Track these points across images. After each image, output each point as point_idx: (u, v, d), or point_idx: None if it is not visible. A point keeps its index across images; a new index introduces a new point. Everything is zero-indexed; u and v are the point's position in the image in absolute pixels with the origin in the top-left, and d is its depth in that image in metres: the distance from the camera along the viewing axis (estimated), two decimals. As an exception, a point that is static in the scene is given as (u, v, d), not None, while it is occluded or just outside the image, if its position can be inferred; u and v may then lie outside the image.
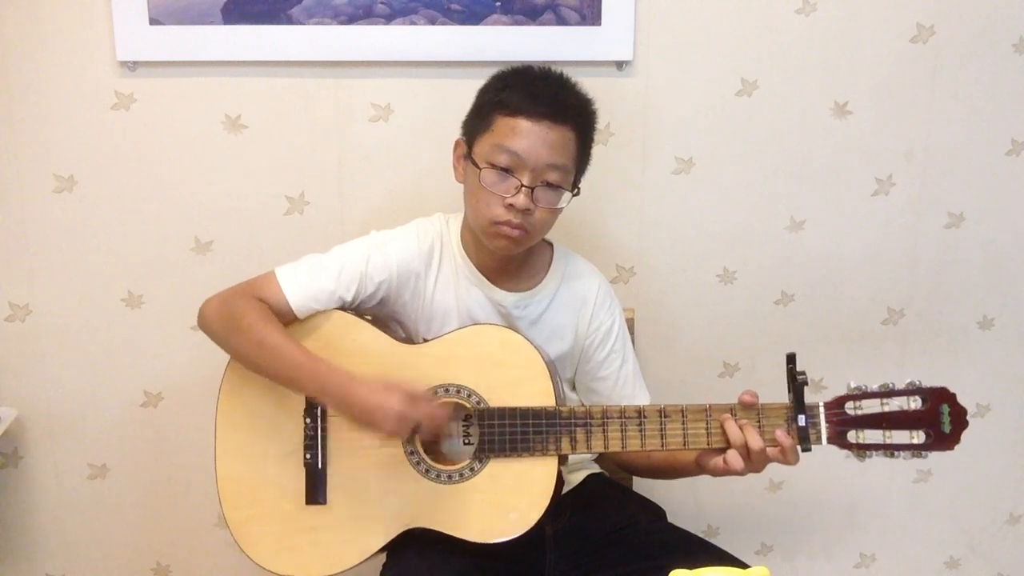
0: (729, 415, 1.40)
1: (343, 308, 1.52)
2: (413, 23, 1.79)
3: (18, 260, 1.86)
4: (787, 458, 1.39)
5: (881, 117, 1.91)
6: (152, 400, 1.95)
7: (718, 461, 1.41)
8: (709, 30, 1.85)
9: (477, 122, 1.51)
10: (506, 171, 1.44)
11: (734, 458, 1.39)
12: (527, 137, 1.44)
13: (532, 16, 1.79)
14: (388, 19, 1.78)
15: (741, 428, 1.39)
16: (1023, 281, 2.03)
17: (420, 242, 1.56)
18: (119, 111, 1.81)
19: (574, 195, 1.52)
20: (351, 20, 1.78)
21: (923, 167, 1.95)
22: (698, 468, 1.46)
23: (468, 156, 1.51)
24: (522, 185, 1.44)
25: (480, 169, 1.46)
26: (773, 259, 1.98)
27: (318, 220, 1.89)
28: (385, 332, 1.52)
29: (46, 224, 1.85)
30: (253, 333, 1.44)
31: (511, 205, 1.44)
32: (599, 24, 1.81)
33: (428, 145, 1.85)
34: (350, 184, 1.88)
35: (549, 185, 1.46)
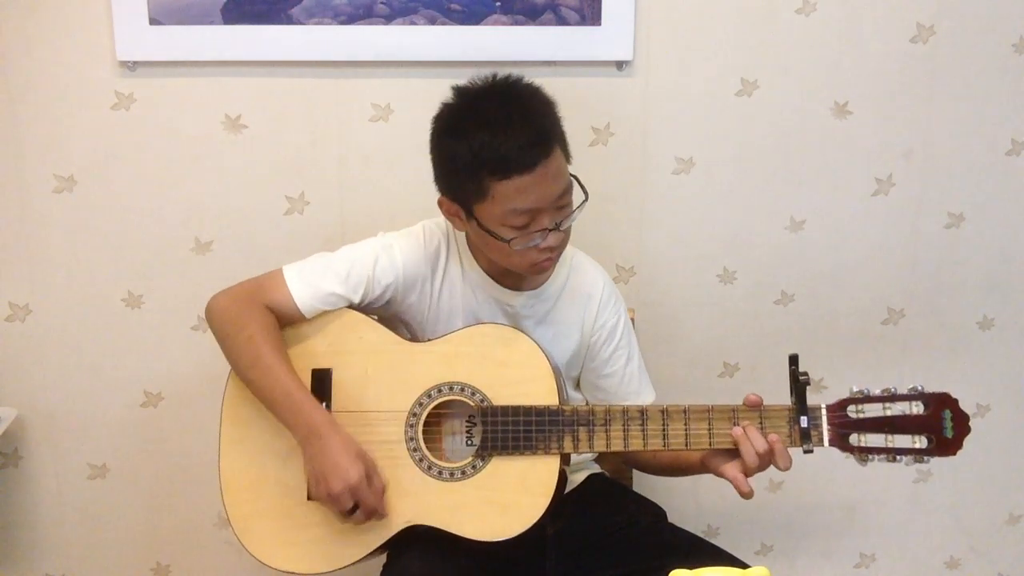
0: (742, 432, 1.38)
1: (350, 307, 1.52)
2: (413, 23, 1.79)
3: (18, 260, 1.86)
4: (778, 461, 1.38)
5: (881, 117, 1.92)
6: (152, 400, 1.95)
7: (726, 469, 1.40)
8: (709, 30, 1.85)
9: (463, 187, 1.43)
10: (526, 226, 1.42)
11: (744, 482, 1.38)
12: (534, 190, 1.39)
13: (532, 16, 1.79)
14: (388, 19, 1.78)
15: (745, 430, 1.38)
16: (1023, 281, 2.03)
17: (427, 245, 1.56)
18: (119, 111, 1.81)
19: (584, 202, 1.48)
20: (351, 20, 1.78)
21: (923, 167, 1.95)
22: (703, 467, 1.46)
23: (469, 219, 1.45)
24: (548, 229, 1.43)
25: (507, 241, 1.41)
26: (773, 259, 1.98)
27: (318, 220, 1.89)
28: (391, 331, 1.53)
29: (46, 224, 1.85)
30: (251, 347, 1.44)
31: (546, 247, 1.44)
32: (599, 24, 1.80)
33: (428, 145, 1.85)
34: (350, 184, 1.88)
35: (566, 207, 1.46)
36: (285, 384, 1.43)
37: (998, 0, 1.87)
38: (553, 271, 1.53)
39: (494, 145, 1.37)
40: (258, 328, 1.45)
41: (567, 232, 1.48)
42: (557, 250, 1.47)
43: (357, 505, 1.41)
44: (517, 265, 1.48)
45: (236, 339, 1.46)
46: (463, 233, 1.58)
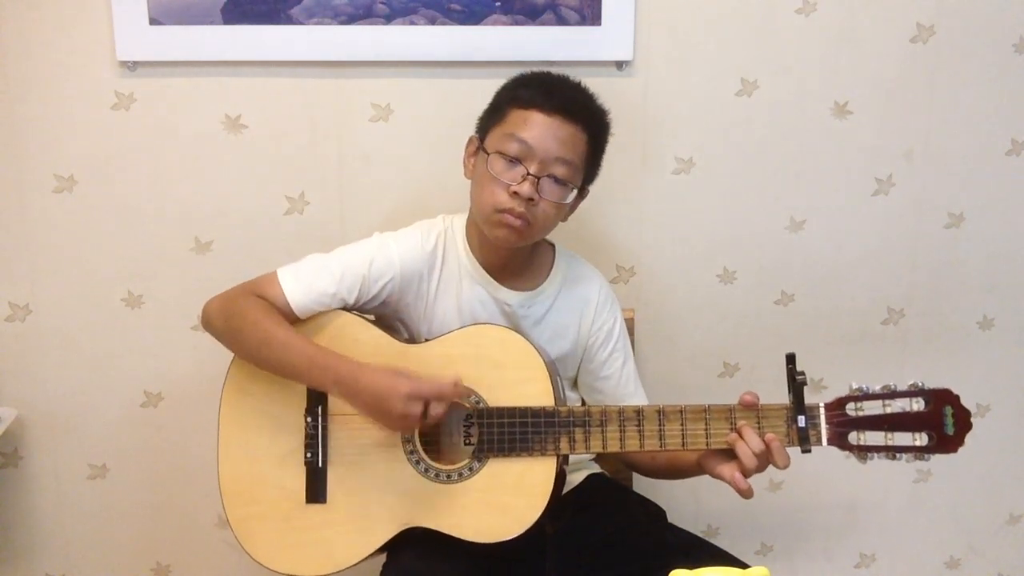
0: (737, 436, 1.38)
1: (345, 308, 1.52)
2: (413, 23, 1.79)
3: (18, 260, 1.86)
4: (776, 460, 1.37)
5: (881, 117, 1.91)
6: (152, 400, 1.95)
7: (723, 471, 1.40)
8: (709, 30, 1.85)
9: (491, 116, 1.54)
10: (515, 160, 1.46)
11: (741, 480, 1.38)
12: (538, 128, 1.46)
13: (532, 16, 1.79)
14: (388, 19, 1.78)
15: (740, 431, 1.38)
16: (1023, 281, 2.03)
17: (424, 243, 1.57)
18: (119, 111, 1.81)
19: (581, 196, 1.53)
20: (351, 20, 1.78)
21: (923, 167, 1.95)
22: (700, 469, 1.46)
23: (480, 148, 1.52)
24: (528, 173, 1.45)
25: (489, 155, 1.47)
26: (773, 259, 1.97)
27: (318, 220, 1.89)
28: (387, 332, 1.53)
29: (46, 224, 1.85)
30: (258, 329, 1.44)
31: (516, 193, 1.45)
32: (599, 24, 1.81)
33: (428, 145, 1.85)
34: (350, 184, 1.88)
35: (555, 179, 1.47)
36: (303, 349, 1.43)
37: (998, 0, 1.87)
38: (516, 242, 1.50)
39: (534, 86, 1.52)
40: (259, 312, 1.46)
41: (544, 211, 1.48)
42: (524, 208, 1.46)
43: (426, 407, 1.39)
44: (486, 204, 1.48)
45: (241, 328, 1.46)
46: (462, 229, 1.60)
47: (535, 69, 1.58)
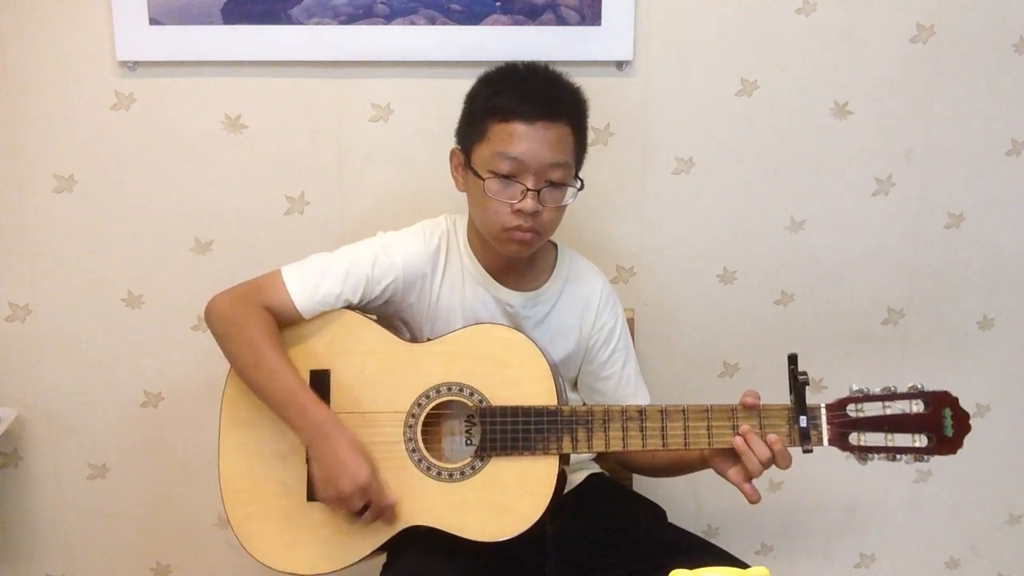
0: (743, 442, 1.39)
1: (349, 307, 1.52)
2: (413, 23, 1.79)
3: (18, 260, 1.86)
4: (778, 462, 1.39)
5: (881, 117, 1.91)
6: (152, 400, 1.95)
7: (731, 475, 1.41)
8: (709, 30, 1.85)
9: (471, 131, 1.51)
10: (509, 177, 1.45)
11: (753, 492, 1.40)
12: (525, 140, 1.44)
13: (532, 16, 1.79)
14: (388, 19, 1.78)
15: (746, 439, 1.38)
16: (1023, 281, 2.03)
17: (427, 243, 1.56)
18: (119, 111, 1.81)
19: (579, 190, 1.52)
20: (351, 20, 1.78)
21: (923, 167, 1.95)
22: (703, 463, 1.47)
23: (467, 166, 1.50)
24: (527, 189, 1.44)
25: (483, 180, 1.45)
26: (773, 259, 1.97)
27: (318, 220, 1.89)
28: (390, 331, 1.53)
29: (46, 224, 1.85)
30: (253, 348, 1.45)
31: (519, 210, 1.44)
32: (599, 24, 1.81)
33: (428, 145, 1.85)
34: (350, 184, 1.88)
35: (553, 184, 1.47)
36: (288, 384, 1.43)
37: (998, 0, 1.87)
38: (527, 252, 1.51)
39: (508, 94, 1.46)
40: (258, 330, 1.45)
41: (550, 217, 1.48)
42: (531, 222, 1.45)
43: (367, 505, 1.41)
44: (492, 225, 1.47)
45: (237, 340, 1.46)
46: (463, 231, 1.59)
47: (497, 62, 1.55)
